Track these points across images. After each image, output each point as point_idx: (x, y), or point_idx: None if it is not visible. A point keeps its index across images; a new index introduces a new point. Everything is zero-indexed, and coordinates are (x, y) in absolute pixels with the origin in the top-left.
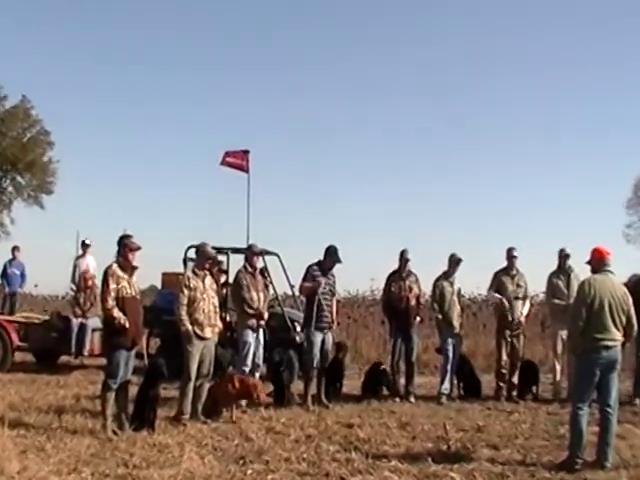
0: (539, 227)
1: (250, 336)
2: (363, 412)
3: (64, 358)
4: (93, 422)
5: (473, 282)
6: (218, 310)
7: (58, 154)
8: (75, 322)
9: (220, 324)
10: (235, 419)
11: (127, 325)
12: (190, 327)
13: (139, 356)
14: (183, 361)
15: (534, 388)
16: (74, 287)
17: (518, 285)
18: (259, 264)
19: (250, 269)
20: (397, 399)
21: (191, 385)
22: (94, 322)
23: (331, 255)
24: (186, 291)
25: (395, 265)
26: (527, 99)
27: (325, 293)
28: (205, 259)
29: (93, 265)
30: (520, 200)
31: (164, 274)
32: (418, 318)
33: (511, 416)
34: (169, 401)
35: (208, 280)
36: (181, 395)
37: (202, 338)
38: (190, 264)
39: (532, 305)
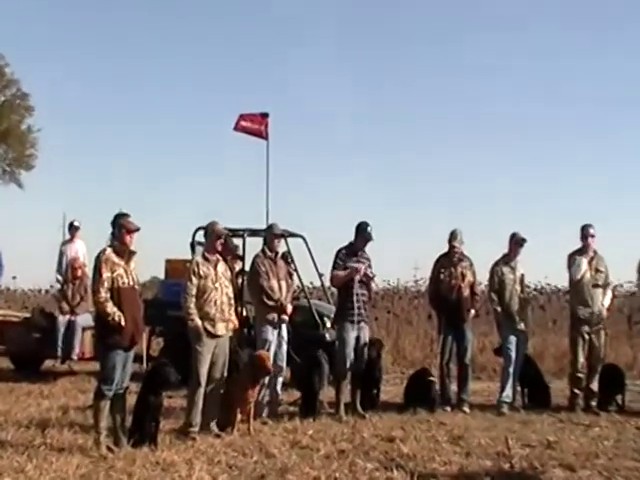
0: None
1: (270, 333)
2: (406, 423)
3: (48, 363)
4: (84, 437)
5: (540, 270)
6: (233, 302)
7: (39, 121)
8: (62, 320)
9: (235, 319)
10: (253, 431)
11: (123, 321)
12: (199, 322)
13: (138, 359)
14: (191, 363)
15: (619, 397)
16: (60, 278)
17: (597, 270)
18: (281, 248)
19: (270, 254)
20: (448, 408)
21: (201, 391)
22: (85, 319)
23: (362, 233)
24: (195, 279)
25: (444, 248)
26: None
27: (360, 281)
28: (216, 239)
29: (83, 251)
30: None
31: (168, 261)
32: (473, 311)
33: (589, 431)
34: (175, 411)
35: (221, 267)
36: (189, 404)
37: (214, 335)
38: (199, 249)
39: (615, 296)
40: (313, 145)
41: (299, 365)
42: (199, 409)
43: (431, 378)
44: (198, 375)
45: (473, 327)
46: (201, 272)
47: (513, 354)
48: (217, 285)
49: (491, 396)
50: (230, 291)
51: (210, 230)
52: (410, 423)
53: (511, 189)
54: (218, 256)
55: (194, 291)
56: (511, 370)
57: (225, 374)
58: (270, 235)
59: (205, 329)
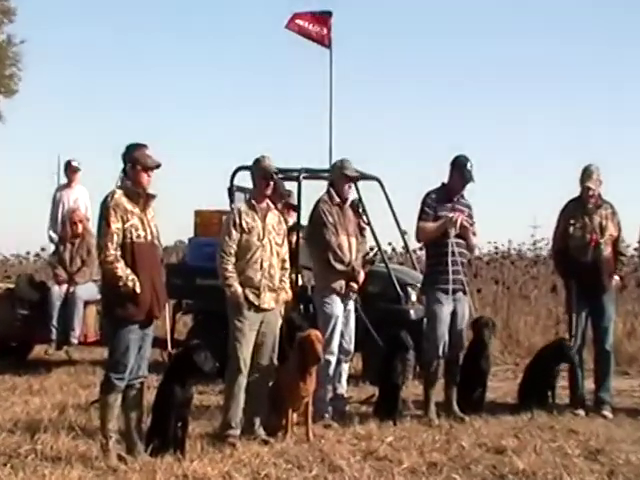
0: None
1: (337, 307)
2: (522, 430)
3: (39, 349)
4: (87, 443)
5: None
6: (287, 266)
7: (22, 30)
8: (57, 291)
9: (289, 289)
10: (312, 437)
11: (139, 288)
12: (240, 289)
13: (159, 344)
14: (229, 347)
15: None
16: (55, 236)
17: None
18: (351, 194)
19: (338, 200)
20: (581, 411)
21: (242, 383)
22: (88, 290)
23: (459, 170)
24: (235, 233)
25: (575, 192)
26: None
27: (458, 236)
28: (264, 180)
29: (85, 201)
30: None
31: (198, 214)
32: (616, 278)
33: None
34: (208, 410)
35: (272, 218)
36: (226, 398)
37: (259, 309)
38: (240, 197)
39: None
40: (391, 58)
41: (375, 350)
42: (240, 406)
43: (567, 344)
44: (238, 360)
45: (617, 301)
46: (244, 224)
47: None
48: (265, 242)
49: None
50: (283, 251)
51: (257, 168)
52: (527, 430)
53: None
54: (269, 202)
55: (233, 249)
56: None
57: (275, 361)
58: (339, 175)
59: (247, 299)
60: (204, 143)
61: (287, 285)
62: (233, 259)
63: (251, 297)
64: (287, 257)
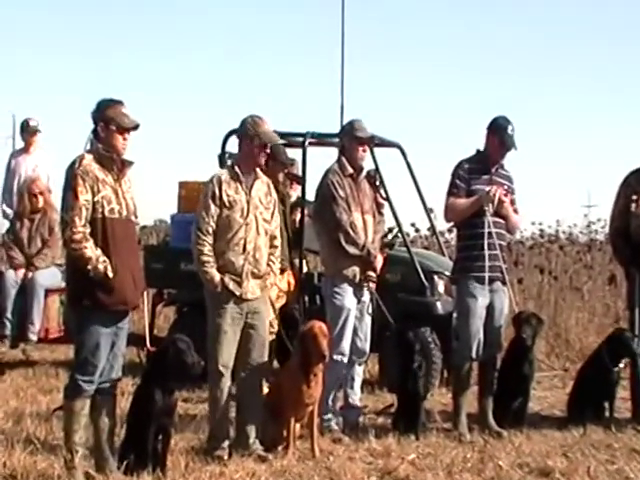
0: None
1: (349, 298)
2: (572, 448)
3: None
4: (47, 459)
5: None
6: (277, 243)
7: None
8: (12, 277)
9: (289, 276)
10: (319, 453)
11: (111, 272)
12: (218, 277)
13: (136, 340)
14: (207, 345)
15: None
16: (10, 211)
17: None
18: (367, 163)
19: (351, 170)
20: None
21: (225, 386)
22: (50, 277)
23: (498, 134)
24: (213, 207)
25: (638, 161)
26: None
27: (496, 214)
28: (260, 147)
29: (46, 168)
30: None
31: (184, 185)
32: None
33: None
34: (194, 420)
35: (259, 188)
36: (210, 407)
37: (241, 299)
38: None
39: None
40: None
41: (395, 350)
42: (226, 414)
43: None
44: (217, 361)
45: None
46: (224, 196)
47: None
48: (250, 219)
49: None
50: (273, 226)
51: (253, 132)
52: (579, 448)
53: None
54: (258, 171)
55: (211, 226)
56: None
57: (267, 360)
58: (350, 139)
59: (227, 289)
60: (191, 103)
61: (276, 266)
62: (211, 239)
63: (231, 286)
64: (277, 233)
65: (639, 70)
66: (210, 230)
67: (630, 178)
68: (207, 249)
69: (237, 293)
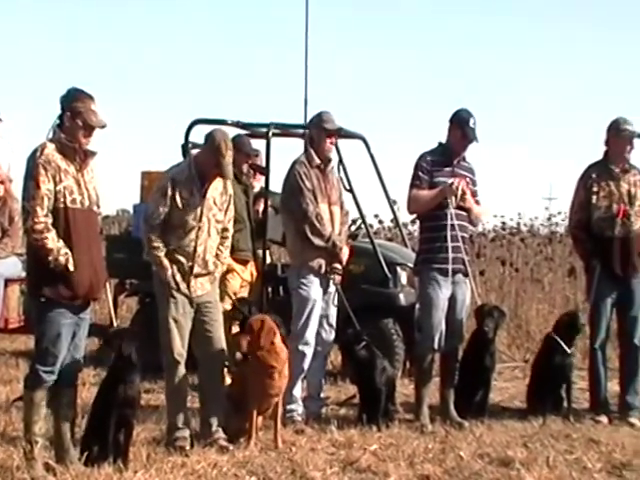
0: None
1: (314, 289)
2: (532, 439)
3: None
4: (7, 450)
5: None
6: (229, 235)
7: None
8: None
9: (252, 267)
10: (281, 444)
11: (72, 264)
12: (169, 267)
13: (99, 331)
14: (160, 335)
15: None
16: None
17: None
18: (333, 154)
19: (318, 162)
20: (603, 417)
21: (181, 375)
22: (9, 267)
23: (460, 127)
24: (165, 203)
25: (597, 154)
26: None
27: (459, 207)
28: (215, 164)
29: (6, 156)
30: None
31: (147, 175)
32: None
33: None
34: (157, 411)
35: (215, 188)
36: (168, 397)
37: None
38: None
39: None
40: None
41: (357, 341)
42: (185, 402)
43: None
44: (172, 351)
45: None
46: (178, 198)
47: None
48: (203, 222)
49: None
50: (227, 219)
51: (212, 145)
52: (538, 439)
53: None
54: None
55: (160, 220)
56: None
57: (225, 349)
58: (318, 131)
59: (177, 283)
60: (155, 92)
61: (224, 255)
62: (159, 231)
63: (178, 278)
64: (230, 225)
65: (598, 65)
66: (159, 223)
67: (590, 171)
68: (156, 236)
69: (183, 287)
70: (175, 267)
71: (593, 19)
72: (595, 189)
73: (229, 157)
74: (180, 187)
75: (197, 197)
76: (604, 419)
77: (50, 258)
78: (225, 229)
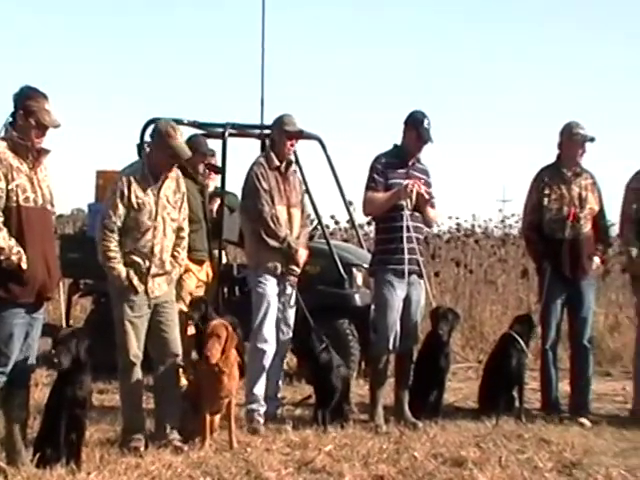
0: None
1: (271, 287)
2: (485, 439)
3: None
4: None
5: None
6: (184, 234)
7: None
8: None
9: (208, 267)
10: (236, 444)
11: (25, 263)
12: (124, 273)
13: (52, 331)
14: (116, 337)
15: None
16: None
17: None
18: (291, 155)
19: (277, 163)
20: (554, 417)
21: (137, 377)
22: None
23: (415, 128)
24: (121, 207)
25: (549, 158)
26: None
27: (413, 209)
28: (168, 157)
29: None
30: None
31: (102, 174)
32: (597, 260)
33: None
34: (111, 412)
35: (168, 187)
36: (123, 399)
37: (146, 296)
38: None
39: None
40: None
41: (313, 341)
42: (139, 405)
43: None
44: (128, 353)
45: (600, 289)
46: (133, 198)
47: None
48: (158, 221)
49: (629, 402)
50: (181, 218)
51: (160, 140)
52: (491, 439)
53: None
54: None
55: (118, 225)
56: None
57: (179, 352)
58: (279, 133)
59: (132, 283)
60: (111, 91)
61: (182, 257)
62: (117, 236)
63: (135, 282)
64: (185, 224)
65: (554, 69)
66: (116, 228)
67: (542, 174)
68: (113, 245)
69: (140, 290)
70: (132, 270)
71: (538, 20)
72: (547, 192)
73: (179, 136)
74: (135, 187)
75: (151, 196)
76: (555, 419)
77: (2, 257)
78: (180, 228)
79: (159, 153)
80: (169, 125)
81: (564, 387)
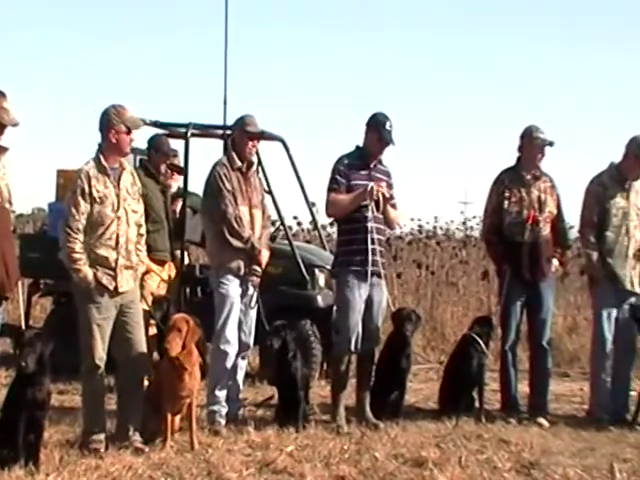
0: None
1: (233, 288)
2: (445, 439)
3: None
4: None
5: None
6: (143, 231)
7: None
8: None
9: (170, 267)
10: (197, 445)
11: None
12: (90, 274)
13: (11, 331)
14: (80, 339)
15: None
16: None
17: None
18: (254, 156)
19: (239, 164)
20: (513, 418)
21: (101, 379)
22: None
23: (377, 130)
24: (83, 204)
25: (510, 161)
26: None
27: (375, 211)
28: (124, 132)
29: None
30: None
31: (62, 173)
32: (555, 263)
33: None
34: (71, 413)
35: (126, 178)
36: (85, 400)
37: (115, 293)
38: None
39: None
40: None
41: (276, 343)
42: (102, 406)
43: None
44: (92, 355)
45: (558, 291)
46: (94, 192)
47: (609, 335)
48: (121, 212)
49: (586, 403)
50: (139, 215)
51: (111, 118)
52: (451, 439)
53: None
54: (124, 162)
55: (82, 224)
56: (607, 364)
57: (145, 352)
58: (240, 133)
59: (100, 283)
60: (71, 89)
61: (143, 254)
62: (81, 236)
63: (105, 280)
64: (142, 221)
65: (518, 73)
66: (80, 227)
67: (503, 176)
68: (78, 246)
69: (111, 287)
70: (100, 266)
71: (509, 25)
72: (507, 195)
73: (128, 112)
74: (94, 181)
75: (112, 188)
76: (514, 420)
77: None
78: (140, 225)
79: (114, 134)
80: (117, 105)
81: (523, 388)
